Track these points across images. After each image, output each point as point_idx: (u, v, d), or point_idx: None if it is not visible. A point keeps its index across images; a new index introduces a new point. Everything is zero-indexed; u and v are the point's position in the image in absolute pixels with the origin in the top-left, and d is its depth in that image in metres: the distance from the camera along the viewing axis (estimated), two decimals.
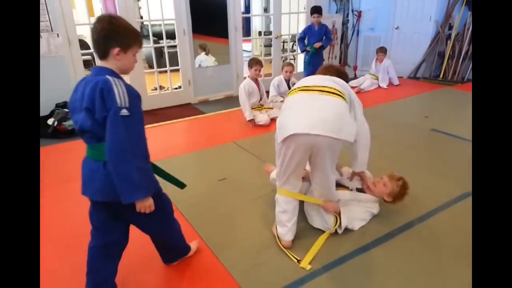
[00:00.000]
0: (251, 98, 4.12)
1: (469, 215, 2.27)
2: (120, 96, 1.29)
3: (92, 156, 1.40)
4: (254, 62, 4.10)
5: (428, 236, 2.12)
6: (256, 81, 4.17)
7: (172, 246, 1.83)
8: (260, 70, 4.12)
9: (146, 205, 1.42)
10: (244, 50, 5.81)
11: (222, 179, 2.83)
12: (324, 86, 1.88)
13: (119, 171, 1.31)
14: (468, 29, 5.72)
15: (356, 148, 2.09)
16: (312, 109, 1.80)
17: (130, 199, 1.35)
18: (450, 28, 5.96)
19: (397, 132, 3.75)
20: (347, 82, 2.06)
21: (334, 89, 1.88)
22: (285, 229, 2.01)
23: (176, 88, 5.25)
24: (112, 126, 1.28)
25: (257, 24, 8.62)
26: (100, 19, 1.38)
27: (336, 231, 2.09)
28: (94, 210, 1.54)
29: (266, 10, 7.46)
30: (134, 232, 1.66)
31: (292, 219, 2.01)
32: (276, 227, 2.08)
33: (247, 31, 6.17)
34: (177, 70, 5.09)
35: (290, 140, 1.78)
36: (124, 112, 1.29)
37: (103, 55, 1.39)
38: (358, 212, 2.19)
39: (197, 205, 2.48)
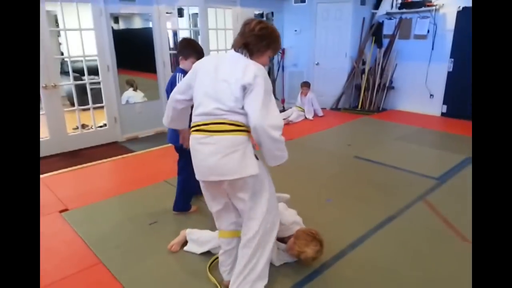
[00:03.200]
0: None
1: (395, 238, 2.45)
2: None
3: None
4: None
5: (361, 262, 2.20)
6: None
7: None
8: None
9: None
10: None
11: (153, 222, 2.67)
12: (227, 124, 1.65)
13: None
14: (379, 64, 6.40)
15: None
16: (203, 155, 1.69)
17: None
18: (364, 63, 6.61)
19: (323, 160, 3.95)
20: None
21: (232, 123, 1.65)
22: (224, 270, 1.95)
23: (101, 126, 4.96)
24: None
25: None
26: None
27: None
28: None
29: None
30: None
31: (229, 259, 1.94)
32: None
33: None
34: (102, 107, 4.83)
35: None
36: None
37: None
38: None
39: (124, 255, 2.28)
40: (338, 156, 4.09)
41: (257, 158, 1.72)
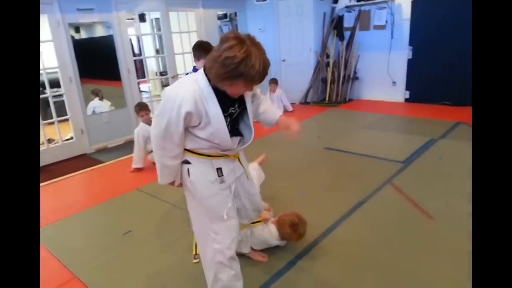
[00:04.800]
0: (149, 143, 3.95)
1: (366, 221, 2.55)
2: None
3: None
4: (138, 109, 3.93)
5: (336, 247, 2.27)
6: (151, 123, 4.00)
7: None
8: (147, 114, 3.93)
9: None
10: (143, 91, 5.66)
11: (127, 232, 2.65)
12: None
13: None
14: (342, 56, 6.57)
15: None
16: None
17: None
18: (328, 56, 6.77)
19: (295, 154, 4.03)
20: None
21: None
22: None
23: (67, 139, 4.83)
24: None
25: (153, 65, 8.57)
26: None
27: None
28: None
29: (158, 51, 7.44)
30: None
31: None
32: None
33: (143, 72, 6.08)
34: (67, 120, 4.70)
35: None
36: None
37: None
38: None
39: (99, 268, 2.26)
40: (309, 148, 4.18)
41: (188, 174, 1.62)
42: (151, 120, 3.92)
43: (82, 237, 2.67)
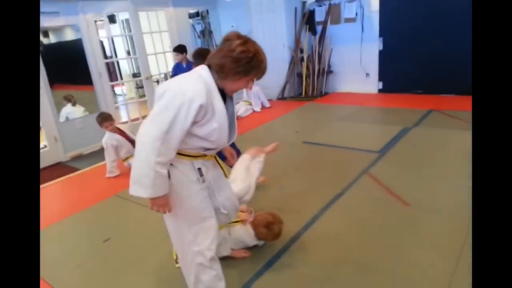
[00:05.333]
0: (121, 151, 3.85)
1: (344, 212, 2.60)
2: None
3: None
4: (101, 120, 3.71)
5: (314, 242, 2.31)
6: (119, 131, 3.85)
7: None
8: (112, 124, 3.76)
9: None
10: (118, 94, 5.54)
11: (107, 239, 2.60)
12: None
13: None
14: (315, 50, 6.64)
15: None
16: None
17: None
18: (302, 51, 6.82)
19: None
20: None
21: None
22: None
23: (42, 148, 4.68)
24: None
25: (126, 67, 8.40)
26: None
27: None
28: None
29: (129, 53, 7.29)
30: None
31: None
32: None
33: (117, 75, 5.97)
34: (39, 129, 4.55)
35: None
36: None
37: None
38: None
39: (79, 278, 2.21)
40: (288, 144, 4.20)
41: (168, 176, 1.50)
42: (116, 129, 3.83)
43: (61, 247, 2.60)
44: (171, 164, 1.51)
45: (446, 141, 3.72)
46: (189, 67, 4.97)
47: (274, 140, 2.77)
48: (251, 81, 1.54)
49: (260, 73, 1.52)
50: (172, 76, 5.04)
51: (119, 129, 3.89)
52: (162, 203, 1.51)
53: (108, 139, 3.76)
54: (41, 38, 5.23)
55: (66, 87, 5.23)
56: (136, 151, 1.43)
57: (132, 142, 3.98)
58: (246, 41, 1.45)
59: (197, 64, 2.64)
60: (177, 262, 2.20)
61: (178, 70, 4.98)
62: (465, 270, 1.88)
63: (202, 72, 1.49)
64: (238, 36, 1.46)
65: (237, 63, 1.43)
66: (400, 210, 2.58)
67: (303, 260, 2.15)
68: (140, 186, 1.43)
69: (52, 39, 5.27)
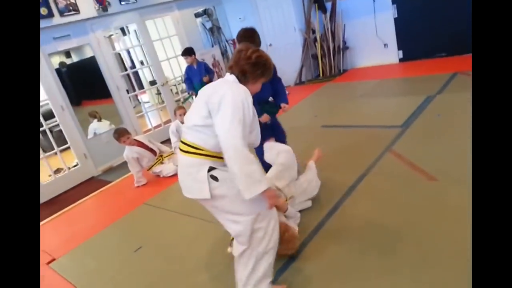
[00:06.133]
0: (143, 161, 3.98)
1: (369, 193, 2.53)
2: None
3: None
4: (118, 136, 3.84)
5: (341, 226, 2.27)
6: (138, 143, 3.97)
7: None
8: (129, 138, 3.87)
9: None
10: (145, 102, 5.77)
11: (138, 248, 2.69)
12: (185, 144, 1.71)
13: None
14: (328, 29, 6.42)
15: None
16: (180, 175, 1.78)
17: None
18: (314, 32, 6.62)
19: (292, 136, 3.93)
20: (249, 71, 1.71)
21: (189, 145, 1.69)
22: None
23: (74, 166, 4.92)
24: None
25: (147, 75, 8.59)
26: None
27: None
28: None
29: (142, 62, 7.39)
30: None
31: None
32: None
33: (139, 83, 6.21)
34: (69, 148, 4.79)
35: None
36: None
37: None
38: None
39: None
40: (306, 129, 4.13)
41: (216, 180, 1.63)
42: (134, 142, 3.93)
43: (96, 261, 2.74)
44: (213, 168, 1.64)
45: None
46: (200, 68, 4.99)
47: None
48: (262, 83, 1.80)
49: (271, 73, 1.80)
50: (185, 80, 5.09)
51: (137, 141, 4.01)
52: (273, 193, 1.68)
53: (129, 152, 3.88)
54: (64, 59, 5.49)
55: (94, 103, 5.45)
56: (230, 157, 1.53)
57: (152, 151, 4.09)
58: (257, 49, 1.75)
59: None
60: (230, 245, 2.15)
61: (190, 72, 5.01)
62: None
63: (232, 78, 1.72)
64: (248, 47, 1.75)
65: (256, 66, 1.70)
66: (426, 185, 2.46)
67: (331, 244, 2.12)
68: (254, 184, 1.54)
69: (74, 58, 5.49)
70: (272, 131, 2.95)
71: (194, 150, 1.66)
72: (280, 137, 3.01)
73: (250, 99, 1.63)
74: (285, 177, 2.46)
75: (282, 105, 2.84)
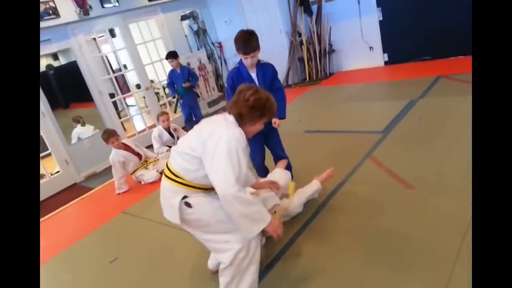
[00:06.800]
0: (129, 165, 3.93)
1: (346, 203, 2.51)
2: None
3: None
4: (107, 137, 3.80)
5: (317, 235, 2.24)
6: (124, 146, 3.94)
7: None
8: (118, 139, 3.84)
9: None
10: (130, 105, 5.72)
11: (113, 260, 2.64)
12: (168, 169, 1.77)
13: None
14: (314, 31, 6.42)
15: None
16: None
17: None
18: (300, 35, 6.61)
19: None
20: (251, 114, 1.73)
21: (171, 171, 1.75)
22: None
23: (57, 172, 4.84)
24: None
25: (133, 78, 8.51)
26: None
27: None
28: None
29: (126, 66, 7.30)
30: None
31: None
32: None
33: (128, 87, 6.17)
34: (50, 154, 4.71)
35: None
36: None
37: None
38: None
39: None
40: (289, 135, 4.06)
41: (189, 206, 1.69)
42: (122, 145, 3.89)
43: (70, 273, 2.68)
44: (185, 196, 1.70)
45: (454, 110, 3.49)
46: (183, 72, 4.94)
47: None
48: (265, 121, 1.78)
49: (272, 113, 1.77)
50: (168, 84, 5.04)
51: (124, 144, 3.96)
52: (276, 224, 1.71)
53: (115, 156, 3.83)
54: (52, 61, 5.40)
55: (82, 106, 5.36)
56: (228, 204, 1.57)
57: (138, 156, 4.04)
58: (256, 90, 1.72)
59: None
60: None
61: (173, 76, 4.96)
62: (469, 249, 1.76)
63: (231, 119, 1.71)
64: (249, 87, 1.73)
65: (253, 109, 1.68)
66: (403, 193, 2.45)
67: (307, 254, 2.10)
68: (255, 224, 1.62)
69: (62, 60, 5.40)
70: (264, 139, 2.84)
71: (174, 177, 1.73)
72: (274, 146, 2.88)
73: (244, 143, 1.64)
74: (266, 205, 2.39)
75: (273, 120, 2.57)
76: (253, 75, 2.61)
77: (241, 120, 1.70)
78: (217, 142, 1.58)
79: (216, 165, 1.57)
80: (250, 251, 1.71)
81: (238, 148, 1.59)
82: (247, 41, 2.42)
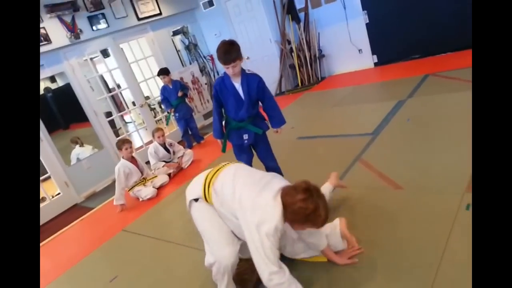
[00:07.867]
0: (131, 178, 4.01)
1: (338, 207, 2.53)
2: None
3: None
4: (121, 143, 4.00)
5: None
6: (132, 159, 4.06)
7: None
8: (131, 147, 4.03)
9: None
10: (128, 122, 5.81)
11: (113, 278, 2.69)
12: (206, 199, 1.93)
13: None
14: (303, 38, 6.51)
15: None
16: None
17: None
18: (289, 42, 6.71)
19: None
20: None
21: (206, 199, 1.95)
22: None
23: (57, 194, 4.91)
24: None
25: (129, 96, 8.62)
26: None
27: None
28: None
29: (119, 86, 7.39)
30: None
31: None
32: None
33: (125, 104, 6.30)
34: (49, 178, 4.78)
35: None
36: None
37: None
38: None
39: None
40: (282, 142, 4.12)
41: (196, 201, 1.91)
42: (131, 157, 4.01)
43: None
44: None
45: (442, 108, 3.54)
46: (175, 86, 5.03)
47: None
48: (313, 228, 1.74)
49: (318, 225, 1.68)
50: (162, 100, 5.12)
51: (133, 157, 4.09)
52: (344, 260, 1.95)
53: (122, 166, 3.93)
54: (49, 84, 5.49)
55: (83, 125, 5.44)
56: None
57: (141, 172, 4.12)
58: (307, 197, 1.61)
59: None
60: None
61: (165, 92, 5.05)
62: (455, 248, 1.80)
63: (278, 202, 1.66)
64: (304, 190, 1.63)
65: (295, 215, 1.63)
66: (392, 195, 2.49)
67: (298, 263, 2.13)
68: None
69: (60, 82, 5.49)
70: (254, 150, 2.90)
71: (205, 198, 1.89)
72: (263, 157, 2.90)
73: (281, 229, 1.66)
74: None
75: (274, 130, 2.83)
76: (237, 85, 2.65)
77: (285, 211, 1.66)
78: (257, 229, 1.62)
79: (253, 254, 1.66)
80: (220, 270, 1.83)
81: (273, 242, 1.63)
82: (227, 51, 2.46)
